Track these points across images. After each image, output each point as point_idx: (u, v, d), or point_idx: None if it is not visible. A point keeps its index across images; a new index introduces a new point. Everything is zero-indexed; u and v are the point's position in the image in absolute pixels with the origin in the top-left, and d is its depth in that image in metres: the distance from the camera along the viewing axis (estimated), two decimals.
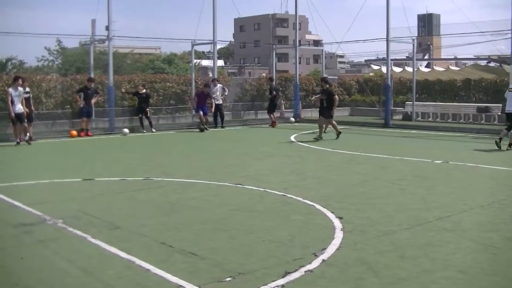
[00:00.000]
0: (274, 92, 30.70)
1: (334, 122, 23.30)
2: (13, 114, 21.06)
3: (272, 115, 30.61)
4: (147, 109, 27.23)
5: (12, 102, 21.11)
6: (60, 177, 13.89)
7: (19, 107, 21.20)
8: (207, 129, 27.20)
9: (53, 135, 24.90)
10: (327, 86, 22.32)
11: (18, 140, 20.93)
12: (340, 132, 22.91)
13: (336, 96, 23.47)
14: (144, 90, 27.62)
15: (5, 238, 8.37)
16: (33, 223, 9.26)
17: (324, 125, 23.90)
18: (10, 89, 21.34)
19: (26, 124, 21.37)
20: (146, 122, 26.96)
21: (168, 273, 6.70)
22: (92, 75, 28.20)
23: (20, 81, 21.57)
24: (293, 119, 32.52)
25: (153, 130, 26.78)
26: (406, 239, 8.17)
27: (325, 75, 23.47)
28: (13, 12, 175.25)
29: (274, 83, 32.20)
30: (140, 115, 27.06)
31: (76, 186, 12.88)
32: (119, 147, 20.77)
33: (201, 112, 27.37)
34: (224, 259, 7.22)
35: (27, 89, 23.27)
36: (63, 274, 6.81)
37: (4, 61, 51.05)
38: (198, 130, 27.08)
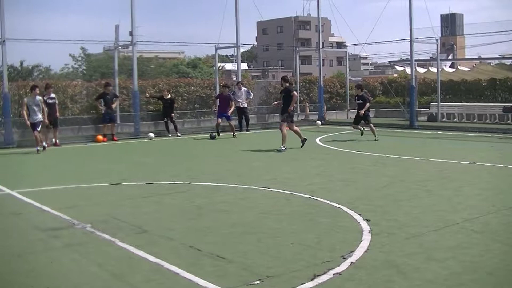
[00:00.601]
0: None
1: (295, 127, 21.00)
2: (28, 123, 20.89)
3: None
4: (172, 114, 27.33)
5: (29, 111, 20.99)
6: (88, 181, 13.98)
7: (38, 117, 20.96)
8: (218, 135, 25.69)
9: (79, 140, 25.05)
10: (287, 84, 20.98)
11: (39, 148, 20.67)
12: (305, 139, 20.86)
13: (295, 92, 21.02)
14: (169, 96, 27.71)
15: (34, 242, 8.43)
16: (62, 227, 9.33)
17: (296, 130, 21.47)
18: (26, 99, 21.39)
19: (39, 130, 21.06)
20: (171, 126, 27.07)
21: (197, 276, 6.71)
22: (116, 80, 28.39)
23: (37, 90, 21.48)
24: (319, 122, 32.39)
25: (178, 134, 26.88)
26: (434, 241, 8.13)
27: (285, 75, 22.04)
28: (39, 18, 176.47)
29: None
30: (166, 119, 27.18)
31: (104, 190, 12.96)
32: (145, 152, 20.84)
33: (219, 119, 26.15)
34: (253, 262, 7.23)
35: (53, 95, 23.51)
36: (92, 277, 6.85)
37: (31, 68, 51.41)
38: (209, 137, 25.30)
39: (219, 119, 26.06)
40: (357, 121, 23.92)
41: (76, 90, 28.08)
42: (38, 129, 20.88)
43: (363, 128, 23.83)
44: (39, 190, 12.90)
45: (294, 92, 20.87)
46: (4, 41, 23.80)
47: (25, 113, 20.99)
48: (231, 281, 6.57)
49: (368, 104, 23.54)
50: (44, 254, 7.84)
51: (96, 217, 9.92)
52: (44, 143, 21.02)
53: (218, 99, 27.08)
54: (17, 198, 12.08)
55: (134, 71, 27.49)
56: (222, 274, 6.82)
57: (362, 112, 23.26)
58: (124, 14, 33.75)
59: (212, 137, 24.96)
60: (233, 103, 26.92)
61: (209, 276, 6.73)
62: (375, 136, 22.88)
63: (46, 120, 21.51)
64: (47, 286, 6.63)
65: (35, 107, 20.92)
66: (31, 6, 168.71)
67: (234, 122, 28.03)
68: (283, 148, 19.75)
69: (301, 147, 20.43)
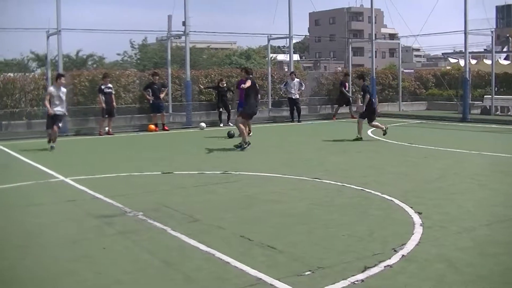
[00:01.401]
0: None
1: (241, 126, 18.05)
2: (51, 111, 18.62)
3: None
4: (228, 102, 27.39)
5: (51, 101, 18.70)
6: (139, 170, 14.12)
7: (58, 109, 18.81)
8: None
9: (131, 129, 25.31)
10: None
11: (53, 145, 18.72)
12: (247, 144, 17.78)
13: (243, 85, 18.21)
14: (225, 84, 27.75)
15: (87, 229, 8.56)
16: (114, 214, 9.44)
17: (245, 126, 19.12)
18: (51, 88, 19.26)
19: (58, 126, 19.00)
20: (224, 116, 27.09)
21: (248, 266, 6.74)
22: (169, 70, 28.54)
23: (62, 80, 19.24)
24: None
25: (230, 124, 26.95)
26: (486, 236, 8.04)
27: (246, 66, 20.06)
28: (91, 8, 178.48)
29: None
30: (221, 109, 27.20)
31: (155, 179, 13.07)
32: (196, 141, 20.89)
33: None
34: (303, 253, 7.23)
35: (110, 85, 23.84)
36: (144, 265, 6.92)
37: (85, 57, 52.04)
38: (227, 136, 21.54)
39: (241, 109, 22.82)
40: (369, 118, 21.24)
41: (129, 79, 28.34)
42: (60, 124, 19.13)
43: (386, 128, 21.31)
44: (92, 178, 13.07)
45: (243, 85, 18.31)
46: (60, 31, 24.14)
47: (47, 102, 18.74)
48: (282, 271, 6.57)
49: (367, 96, 21.05)
50: (97, 240, 7.95)
51: (148, 205, 10.02)
52: (52, 143, 18.79)
53: (238, 90, 23.10)
54: (70, 185, 12.26)
55: (187, 61, 27.62)
56: (273, 264, 6.83)
57: (364, 107, 21.21)
58: (177, 4, 33.97)
59: (231, 136, 21.29)
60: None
61: (260, 266, 6.74)
62: (358, 135, 20.68)
63: (103, 106, 21.54)
64: (100, 271, 6.72)
65: (56, 99, 18.76)
66: None
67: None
68: (246, 146, 17.66)
69: (241, 149, 17.75)
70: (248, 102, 18.16)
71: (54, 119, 18.60)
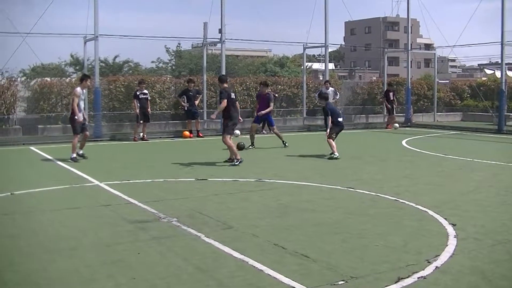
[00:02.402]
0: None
1: (228, 141, 16.87)
2: (81, 120, 17.38)
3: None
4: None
5: (79, 105, 17.25)
6: (174, 176, 14.22)
7: (82, 115, 17.54)
8: (252, 144, 21.09)
9: (166, 135, 25.46)
10: (224, 85, 17.67)
11: (74, 155, 17.18)
12: (238, 161, 16.65)
13: (223, 99, 17.04)
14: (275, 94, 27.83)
15: (122, 234, 8.62)
16: (148, 220, 9.51)
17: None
18: (79, 90, 17.40)
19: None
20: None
21: (281, 274, 6.75)
22: (205, 77, 28.65)
23: (88, 82, 18.07)
24: (397, 125, 31.58)
25: (264, 132, 26.98)
26: None
27: (221, 75, 19.44)
28: (130, 16, 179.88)
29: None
30: None
31: (190, 185, 13.12)
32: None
33: (255, 124, 21.68)
34: (337, 262, 7.22)
35: (145, 91, 24.05)
36: (178, 270, 6.96)
37: (121, 63, 52.41)
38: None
39: (255, 124, 21.70)
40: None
41: (164, 85, 28.53)
42: (87, 133, 18.00)
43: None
44: (126, 183, 13.18)
45: (223, 99, 17.05)
46: (97, 37, 24.38)
47: (76, 105, 17.13)
48: (315, 280, 6.58)
49: (271, 105, 21.26)
50: (132, 245, 8.01)
51: (182, 211, 10.08)
52: (80, 151, 17.69)
53: (258, 99, 22.48)
54: (105, 190, 12.37)
55: (223, 68, 27.67)
56: (306, 273, 6.84)
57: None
58: (214, 11, 34.02)
59: (241, 148, 19.57)
60: (272, 104, 21.73)
61: (293, 274, 6.75)
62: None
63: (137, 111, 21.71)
64: (134, 276, 6.76)
65: (81, 102, 17.44)
66: (123, 4, 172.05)
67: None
68: (237, 163, 16.61)
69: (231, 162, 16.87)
70: (230, 116, 17.04)
71: (80, 123, 17.39)
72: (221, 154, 18.39)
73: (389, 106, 31.23)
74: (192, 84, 26.24)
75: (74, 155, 17.14)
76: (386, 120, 32.57)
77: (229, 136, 16.87)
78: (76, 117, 17.19)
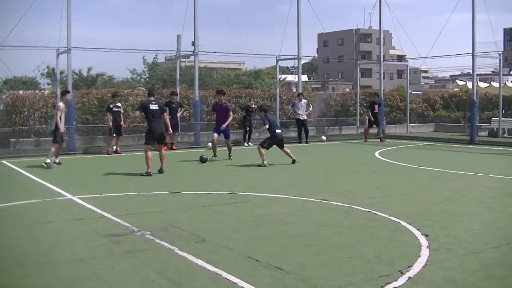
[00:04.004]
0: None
1: (148, 153, 17.18)
2: (64, 130, 19.72)
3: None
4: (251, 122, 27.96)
5: (61, 118, 19.29)
6: (147, 189, 14.17)
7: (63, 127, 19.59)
8: (215, 155, 20.89)
9: (139, 148, 25.33)
10: (175, 97, 17.77)
11: (57, 161, 19.40)
12: (147, 173, 16.83)
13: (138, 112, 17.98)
14: (254, 105, 27.96)
15: (95, 247, 8.58)
16: (122, 233, 9.47)
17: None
18: (62, 104, 19.60)
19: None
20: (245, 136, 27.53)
21: (255, 287, 6.75)
22: (178, 90, 28.63)
23: (68, 96, 20.33)
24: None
25: (245, 144, 27.22)
26: (494, 259, 8.04)
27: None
28: (103, 29, 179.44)
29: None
30: (247, 129, 27.51)
31: (163, 199, 13.11)
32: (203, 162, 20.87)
33: (216, 134, 21.20)
34: (311, 274, 7.23)
35: (118, 104, 23.88)
36: (152, 284, 6.94)
37: (95, 76, 52.31)
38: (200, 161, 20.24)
39: (215, 134, 21.26)
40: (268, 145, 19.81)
41: (137, 98, 28.45)
42: (63, 144, 20.41)
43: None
44: (99, 197, 13.12)
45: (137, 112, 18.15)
46: (70, 49, 24.28)
47: (59, 118, 19.10)
48: None
49: (231, 114, 21.43)
50: (105, 259, 7.97)
51: (155, 224, 10.05)
52: (57, 160, 19.48)
53: (214, 111, 22.06)
54: (78, 204, 12.30)
55: (196, 81, 27.72)
56: (280, 285, 6.85)
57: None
58: (188, 24, 33.95)
59: (203, 161, 20.06)
60: (231, 114, 21.53)
61: (267, 287, 6.77)
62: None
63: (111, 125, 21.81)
64: None
65: (62, 115, 19.53)
66: (95, 17, 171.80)
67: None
68: (145, 174, 16.83)
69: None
70: (151, 126, 17.45)
71: (61, 136, 19.40)
72: (194, 167, 18.42)
73: (372, 118, 30.22)
74: (175, 97, 26.17)
75: (49, 160, 18.47)
76: (362, 131, 32.67)
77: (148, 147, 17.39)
78: (59, 129, 19.08)
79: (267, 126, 19.17)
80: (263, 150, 18.93)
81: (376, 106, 30.52)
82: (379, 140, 29.93)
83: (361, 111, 35.87)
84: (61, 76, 27.25)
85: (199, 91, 28.59)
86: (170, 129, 18.81)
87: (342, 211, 11.49)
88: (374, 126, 30.66)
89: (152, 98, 17.80)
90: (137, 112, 17.89)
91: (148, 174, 16.73)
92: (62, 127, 19.31)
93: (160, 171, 17.26)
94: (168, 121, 18.17)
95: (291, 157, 19.52)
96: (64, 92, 20.43)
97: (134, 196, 13.32)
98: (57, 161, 19.33)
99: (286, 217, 10.88)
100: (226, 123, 21.08)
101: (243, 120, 27.85)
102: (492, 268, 7.57)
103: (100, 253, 8.30)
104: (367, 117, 31.19)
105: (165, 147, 23.36)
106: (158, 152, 17.59)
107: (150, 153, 17.15)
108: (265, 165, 18.68)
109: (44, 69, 51.55)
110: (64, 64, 25.56)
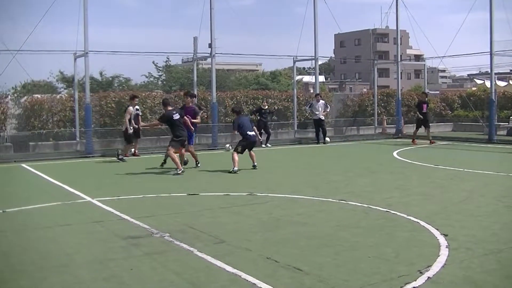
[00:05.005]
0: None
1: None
2: (131, 131, 22.21)
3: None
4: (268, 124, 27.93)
5: (130, 120, 22.19)
6: (166, 191, 14.19)
7: (132, 128, 22.33)
8: (164, 162, 19.91)
9: (157, 150, 25.39)
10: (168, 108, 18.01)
11: (123, 157, 21.92)
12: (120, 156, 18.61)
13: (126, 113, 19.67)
14: (267, 106, 27.92)
15: (115, 250, 8.61)
16: (141, 235, 9.49)
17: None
18: (132, 108, 22.46)
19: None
20: (263, 137, 27.24)
21: (274, 287, 6.75)
22: (195, 92, 28.63)
23: (135, 100, 23.19)
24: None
25: (268, 145, 27.17)
26: None
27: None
28: (118, 30, 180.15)
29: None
30: (262, 131, 27.44)
31: (182, 200, 13.13)
32: (222, 162, 20.91)
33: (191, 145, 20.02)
34: (329, 275, 7.22)
35: (137, 107, 23.85)
36: (171, 285, 6.96)
37: (111, 78, 52.40)
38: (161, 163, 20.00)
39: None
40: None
41: (155, 101, 28.53)
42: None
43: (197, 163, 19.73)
44: (118, 199, 13.17)
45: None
46: (87, 53, 24.36)
47: (127, 121, 22.22)
48: None
49: (198, 119, 20.71)
50: (124, 261, 7.99)
51: (174, 226, 10.08)
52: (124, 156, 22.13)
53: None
54: (97, 206, 12.35)
55: (213, 83, 27.74)
56: (299, 286, 6.84)
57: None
58: (204, 26, 33.76)
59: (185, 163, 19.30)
60: (199, 118, 20.83)
61: (286, 287, 6.74)
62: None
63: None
64: None
65: (132, 117, 22.37)
66: (113, 20, 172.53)
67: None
68: (179, 171, 17.57)
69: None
70: (176, 134, 18.17)
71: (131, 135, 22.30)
72: (212, 168, 18.45)
73: (421, 117, 28.71)
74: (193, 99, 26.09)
75: (121, 156, 21.79)
76: (381, 131, 32.55)
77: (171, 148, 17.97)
78: (129, 129, 22.14)
79: (236, 132, 18.83)
80: (237, 156, 18.15)
81: (425, 106, 28.99)
82: (429, 142, 28.14)
83: (379, 111, 35.81)
84: (79, 79, 27.29)
85: (217, 93, 28.61)
86: (192, 128, 19.36)
87: (361, 211, 11.47)
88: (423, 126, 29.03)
89: (170, 108, 18.31)
90: (157, 122, 19.55)
91: (177, 173, 17.45)
92: (129, 128, 22.09)
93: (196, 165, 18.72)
94: (188, 122, 18.74)
95: (253, 161, 18.83)
96: (133, 97, 23.16)
97: (153, 198, 13.35)
98: (126, 157, 21.90)
99: (304, 218, 10.87)
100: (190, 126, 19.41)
101: (258, 122, 27.80)
102: (511, 267, 7.53)
103: (119, 255, 8.33)
104: (415, 117, 30.01)
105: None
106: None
107: (174, 154, 17.74)
108: (235, 172, 17.73)
109: (57, 75, 51.79)
110: (82, 67, 25.63)
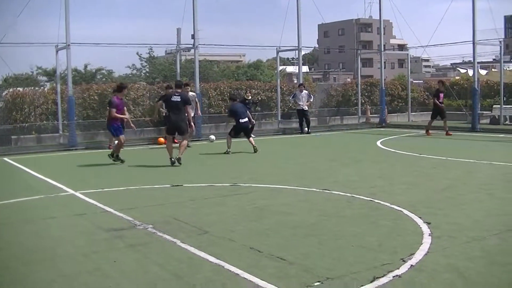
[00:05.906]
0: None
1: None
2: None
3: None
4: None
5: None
6: (149, 183, 14.16)
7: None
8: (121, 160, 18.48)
9: (140, 142, 25.34)
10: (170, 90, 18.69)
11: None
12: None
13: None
14: (251, 97, 27.84)
15: (98, 242, 8.58)
16: (124, 227, 9.46)
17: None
18: (160, 101, 20.75)
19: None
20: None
21: (257, 277, 6.75)
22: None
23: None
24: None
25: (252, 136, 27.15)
26: (496, 245, 8.04)
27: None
28: (101, 22, 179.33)
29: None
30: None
31: (165, 192, 13.09)
32: (206, 154, 20.90)
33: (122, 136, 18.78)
34: (313, 264, 7.23)
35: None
36: (154, 277, 6.94)
37: (94, 71, 52.20)
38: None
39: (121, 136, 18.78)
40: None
41: (138, 92, 28.43)
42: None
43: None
44: (101, 191, 13.12)
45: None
46: (69, 45, 24.23)
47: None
48: (292, 283, 6.59)
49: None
50: (108, 253, 7.97)
51: (157, 218, 10.05)
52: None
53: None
54: (80, 199, 12.30)
55: (196, 74, 27.65)
56: (283, 276, 6.84)
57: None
58: (187, 17, 33.59)
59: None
60: (127, 114, 19.96)
61: (270, 277, 6.75)
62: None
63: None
64: (110, 285, 6.73)
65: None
66: (94, 11, 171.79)
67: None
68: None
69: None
70: (168, 117, 18.73)
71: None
72: (196, 159, 18.42)
73: (439, 107, 27.18)
74: (171, 90, 25.93)
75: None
76: (364, 120, 32.61)
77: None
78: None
79: (230, 118, 20.65)
80: (230, 139, 20.28)
81: (442, 95, 27.55)
82: (445, 133, 26.97)
83: (363, 101, 35.89)
84: (61, 72, 27.15)
85: (200, 84, 28.54)
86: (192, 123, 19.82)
87: (345, 200, 11.49)
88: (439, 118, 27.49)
89: (179, 90, 18.39)
90: (159, 102, 20.64)
91: (171, 161, 17.37)
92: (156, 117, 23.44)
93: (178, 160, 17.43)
94: (190, 114, 18.79)
95: (253, 146, 20.37)
96: (168, 87, 23.89)
97: (136, 190, 13.32)
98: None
99: (288, 208, 10.87)
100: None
101: None
102: (494, 255, 7.57)
103: (102, 247, 8.30)
104: (433, 107, 28.18)
105: (166, 141, 23.38)
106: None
107: (167, 143, 18.09)
108: (228, 153, 19.99)
109: (37, 70, 51.57)
110: (64, 60, 25.49)
